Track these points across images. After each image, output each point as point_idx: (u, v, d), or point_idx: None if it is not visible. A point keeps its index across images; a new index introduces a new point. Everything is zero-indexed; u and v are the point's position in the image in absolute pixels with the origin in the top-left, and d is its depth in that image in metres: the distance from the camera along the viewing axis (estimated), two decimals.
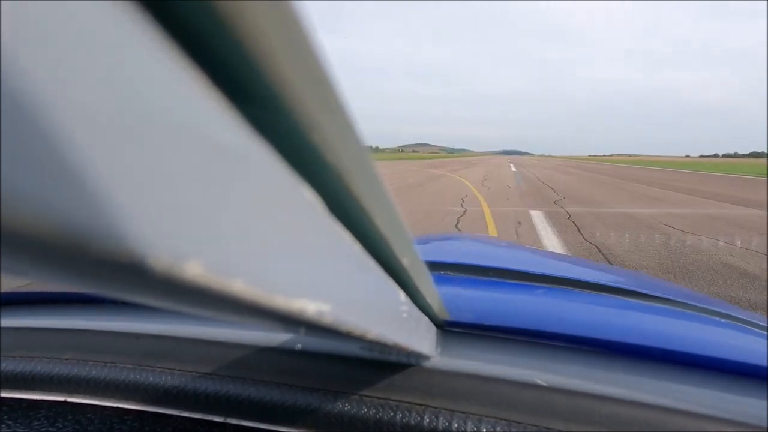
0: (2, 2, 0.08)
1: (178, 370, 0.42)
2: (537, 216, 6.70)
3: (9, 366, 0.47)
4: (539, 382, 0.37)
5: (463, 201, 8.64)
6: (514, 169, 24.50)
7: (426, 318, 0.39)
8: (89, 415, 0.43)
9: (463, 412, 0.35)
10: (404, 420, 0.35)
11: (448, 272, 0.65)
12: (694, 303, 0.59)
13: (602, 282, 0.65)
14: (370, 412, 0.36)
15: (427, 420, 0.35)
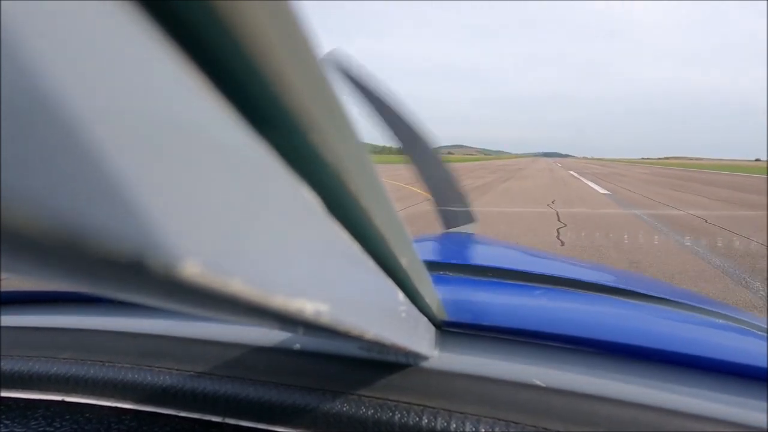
0: (3, 2, 0.08)
1: (176, 370, 0.42)
2: None
3: (6, 365, 0.47)
4: (538, 382, 0.37)
5: None
6: (592, 185, 14.16)
7: (424, 318, 0.39)
8: (87, 415, 0.43)
9: (461, 413, 0.35)
10: (402, 420, 0.35)
11: (447, 272, 0.65)
12: (693, 304, 0.59)
13: (602, 282, 0.65)
14: (369, 412, 0.36)
15: (426, 420, 0.35)
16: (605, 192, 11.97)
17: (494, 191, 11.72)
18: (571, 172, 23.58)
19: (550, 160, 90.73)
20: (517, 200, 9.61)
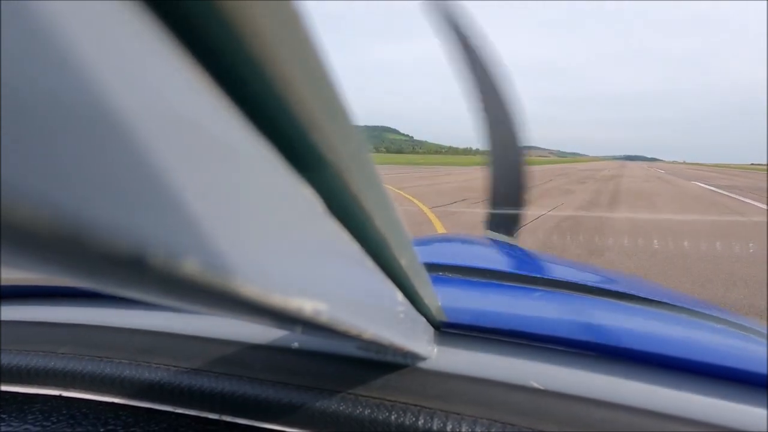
0: (6, 1, 0.08)
1: (174, 367, 0.42)
2: None
3: (4, 359, 0.47)
4: (535, 384, 0.37)
5: None
6: None
7: (423, 319, 0.39)
8: (84, 410, 0.43)
9: (458, 414, 0.35)
10: (399, 420, 0.35)
11: (446, 273, 0.65)
12: (692, 308, 0.59)
13: (600, 286, 0.65)
14: (366, 412, 0.36)
15: (422, 421, 0.35)
16: None
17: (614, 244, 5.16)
18: (706, 186, 15.71)
19: (641, 165, 74.06)
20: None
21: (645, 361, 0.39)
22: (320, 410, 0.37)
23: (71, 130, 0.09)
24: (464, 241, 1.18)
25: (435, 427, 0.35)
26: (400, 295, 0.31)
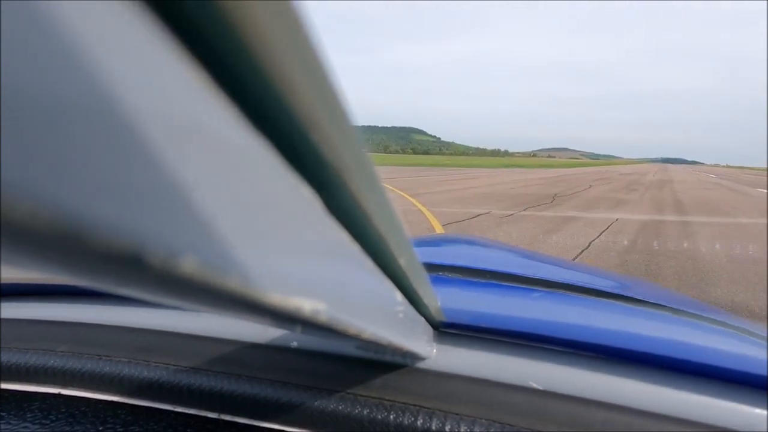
0: (3, 1, 0.08)
1: (173, 365, 0.42)
2: None
3: (3, 357, 0.47)
4: (534, 385, 0.37)
5: None
6: None
7: (422, 319, 0.39)
8: (83, 408, 0.43)
9: (456, 414, 0.35)
10: (398, 420, 0.35)
11: (446, 273, 0.65)
12: (692, 311, 0.59)
13: (599, 287, 0.65)
14: (364, 412, 0.36)
15: (421, 421, 0.35)
16: None
17: None
18: None
19: (685, 168, 68.72)
20: None
21: (644, 363, 0.39)
22: (319, 409, 0.37)
23: (71, 130, 0.09)
24: (464, 242, 1.18)
25: (434, 427, 0.35)
26: (399, 295, 0.31)
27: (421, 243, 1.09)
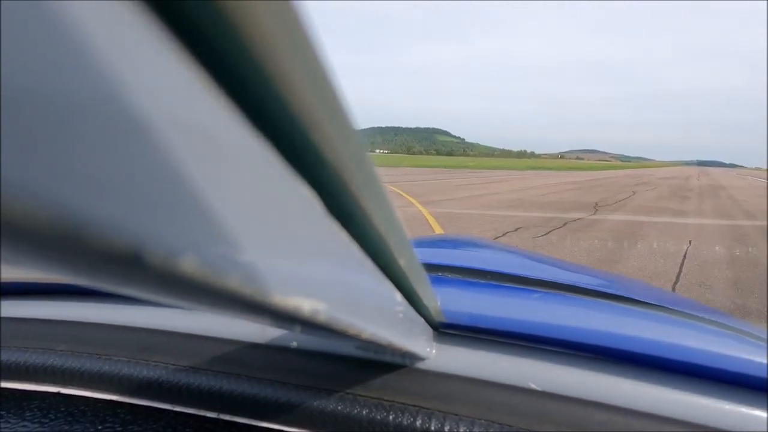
0: (3, 1, 0.08)
1: (172, 365, 0.42)
2: None
3: (3, 356, 0.47)
4: (533, 386, 0.37)
5: None
6: None
7: (421, 319, 0.39)
8: (82, 407, 0.43)
9: (455, 414, 0.35)
10: (397, 420, 0.35)
11: (445, 274, 0.65)
12: (692, 312, 0.59)
13: (599, 288, 0.65)
14: (363, 412, 0.36)
15: (420, 421, 0.35)
16: None
17: None
18: None
19: (727, 172, 61.39)
20: None
21: (643, 364, 0.39)
22: (318, 409, 0.37)
23: (71, 129, 0.09)
24: (464, 242, 1.18)
25: (433, 428, 0.35)
26: (398, 296, 0.31)
27: (421, 243, 1.09)
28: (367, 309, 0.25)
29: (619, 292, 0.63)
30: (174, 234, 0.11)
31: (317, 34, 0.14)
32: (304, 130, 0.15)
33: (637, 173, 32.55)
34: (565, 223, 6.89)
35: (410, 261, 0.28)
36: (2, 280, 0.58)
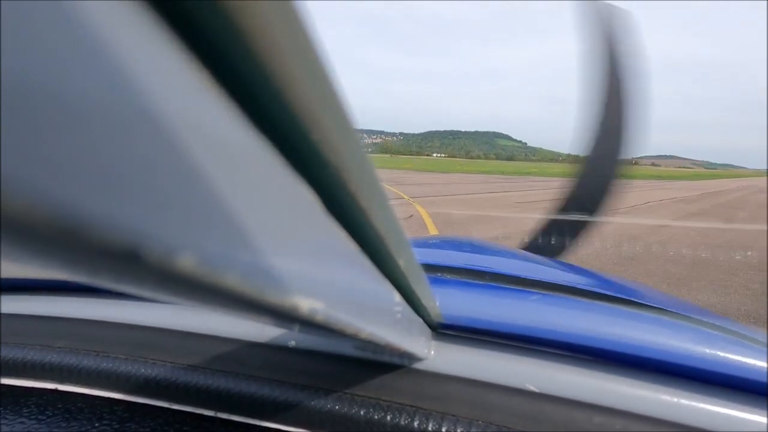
0: (7, 1, 0.08)
1: (170, 363, 0.42)
2: None
3: (1, 352, 0.47)
4: (531, 387, 0.37)
5: None
6: None
7: (420, 319, 0.39)
8: (79, 404, 0.43)
9: (453, 415, 0.35)
10: (394, 420, 0.35)
11: (444, 275, 0.65)
12: (691, 315, 0.59)
13: (598, 290, 0.65)
14: (361, 412, 0.36)
15: (417, 422, 0.35)
16: None
17: None
18: None
19: None
20: None
21: (642, 366, 0.39)
22: (316, 409, 0.37)
23: (69, 126, 0.09)
24: (463, 243, 1.18)
25: (430, 428, 0.35)
26: (397, 296, 0.31)
27: (420, 244, 1.09)
28: (366, 309, 0.25)
29: (618, 294, 0.63)
30: (172, 231, 0.11)
31: (317, 34, 0.14)
32: (305, 131, 0.15)
33: (731, 185, 25.34)
34: None
35: (409, 261, 0.28)
36: (1, 277, 0.58)
